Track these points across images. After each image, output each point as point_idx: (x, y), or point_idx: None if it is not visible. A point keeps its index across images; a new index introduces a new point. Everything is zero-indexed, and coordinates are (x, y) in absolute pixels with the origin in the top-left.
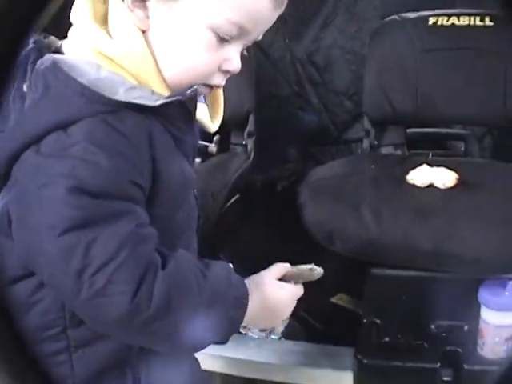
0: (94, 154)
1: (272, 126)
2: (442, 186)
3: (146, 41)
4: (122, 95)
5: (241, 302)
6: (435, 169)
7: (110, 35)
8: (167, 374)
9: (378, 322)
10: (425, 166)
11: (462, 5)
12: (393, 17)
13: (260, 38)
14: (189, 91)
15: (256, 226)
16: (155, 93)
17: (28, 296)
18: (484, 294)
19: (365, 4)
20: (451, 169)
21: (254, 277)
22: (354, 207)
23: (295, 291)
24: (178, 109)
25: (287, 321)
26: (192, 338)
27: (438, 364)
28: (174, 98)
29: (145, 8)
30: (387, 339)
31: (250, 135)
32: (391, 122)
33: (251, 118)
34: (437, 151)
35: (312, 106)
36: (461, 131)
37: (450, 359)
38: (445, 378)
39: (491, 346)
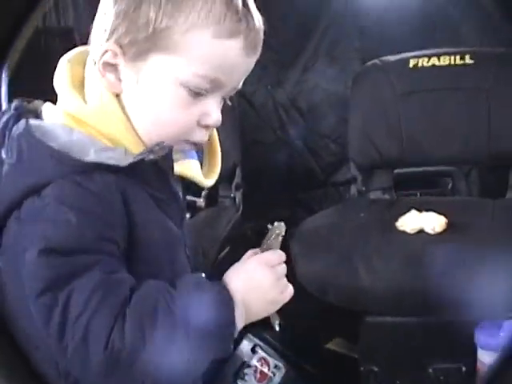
0: (64, 213)
1: (258, 173)
2: (431, 232)
3: (120, 103)
4: (92, 156)
5: (223, 302)
6: (424, 214)
7: (84, 99)
8: None
9: (376, 369)
10: (414, 212)
11: (442, 39)
12: (374, 61)
13: (240, 86)
14: (158, 148)
15: None
16: (128, 152)
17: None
18: (480, 336)
19: (345, 46)
20: (440, 213)
21: (227, 272)
22: (345, 258)
23: (273, 258)
24: (151, 168)
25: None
26: (184, 360)
27: None
28: (141, 157)
29: (116, 71)
30: None
31: (237, 187)
32: (378, 167)
33: (238, 171)
34: (425, 190)
35: (297, 150)
36: (447, 168)
37: None
38: None
39: None
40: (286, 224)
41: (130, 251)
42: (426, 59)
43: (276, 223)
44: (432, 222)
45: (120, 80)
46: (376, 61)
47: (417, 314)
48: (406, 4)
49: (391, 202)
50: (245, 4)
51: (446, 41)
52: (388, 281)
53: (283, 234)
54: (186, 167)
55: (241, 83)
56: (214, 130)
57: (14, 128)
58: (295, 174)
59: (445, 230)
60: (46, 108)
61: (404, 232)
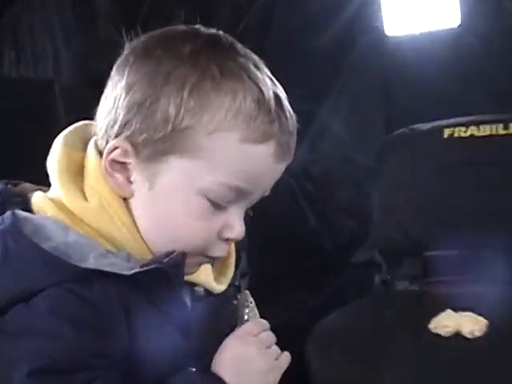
0: (58, 327)
1: (265, 254)
2: (469, 336)
3: (127, 206)
4: (91, 262)
5: None
6: (461, 314)
7: (83, 192)
8: None
9: None
10: (449, 312)
11: (479, 106)
12: (402, 130)
13: (267, 193)
14: (168, 259)
15: None
16: (132, 258)
17: None
18: None
19: (365, 108)
20: (479, 313)
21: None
22: (369, 365)
23: (252, 327)
24: (159, 277)
25: None
26: None
27: None
28: (151, 267)
29: (125, 171)
30: None
31: (242, 275)
32: (405, 252)
33: (243, 255)
34: (459, 278)
35: (310, 226)
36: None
37: None
38: None
39: None
40: (301, 319)
41: (131, 365)
42: (463, 129)
43: (239, 294)
44: (470, 325)
45: (130, 182)
46: (405, 130)
47: None
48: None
49: (421, 294)
50: (278, 102)
51: (484, 103)
52: None
53: (252, 301)
54: (198, 273)
55: (268, 191)
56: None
57: None
58: (308, 255)
59: (485, 335)
60: (37, 197)
61: (438, 335)
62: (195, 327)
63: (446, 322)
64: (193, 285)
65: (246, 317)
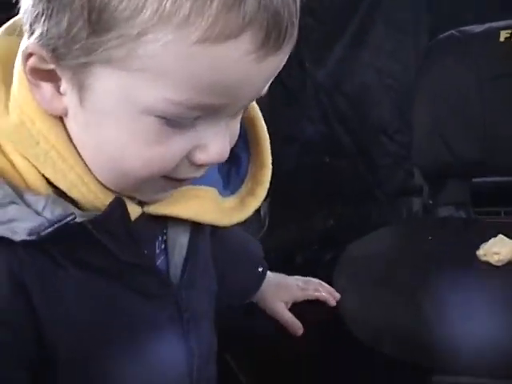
0: None
1: (291, 179)
2: None
3: (66, 132)
4: None
5: None
6: None
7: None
8: None
9: None
10: (502, 237)
11: None
12: (450, 32)
13: (265, 92)
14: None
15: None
16: (58, 206)
17: None
18: None
19: (407, 13)
20: None
21: None
22: (408, 298)
23: None
24: (80, 238)
25: None
26: None
27: None
28: (58, 225)
29: (53, 77)
30: None
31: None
32: (451, 175)
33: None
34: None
35: (342, 149)
36: None
37: None
38: None
39: None
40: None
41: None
42: None
43: None
44: None
45: (60, 93)
46: (453, 32)
47: (502, 376)
48: None
49: (469, 222)
50: None
51: None
52: (466, 330)
53: None
54: (184, 204)
55: (265, 90)
56: (260, 120)
57: None
58: (337, 181)
59: None
60: None
61: (488, 264)
62: (164, 283)
63: (498, 249)
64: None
65: None
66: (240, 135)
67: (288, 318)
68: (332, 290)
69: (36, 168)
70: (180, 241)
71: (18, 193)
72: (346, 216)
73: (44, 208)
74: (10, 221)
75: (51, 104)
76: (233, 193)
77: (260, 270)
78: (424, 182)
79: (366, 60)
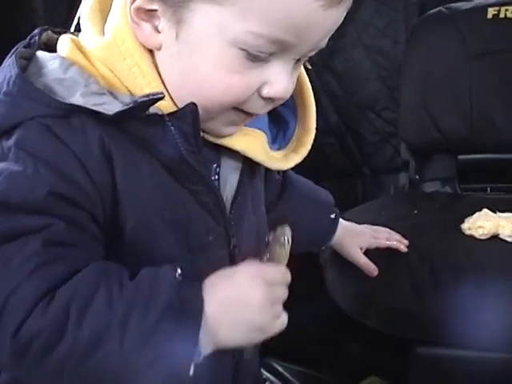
0: (21, 160)
1: None
2: (509, 239)
3: (154, 62)
4: (76, 99)
5: (185, 313)
6: (500, 215)
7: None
8: None
9: None
10: (486, 212)
11: None
12: (438, 9)
13: (323, 45)
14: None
15: None
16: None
17: None
18: None
19: None
20: None
21: (211, 276)
22: (393, 271)
23: (274, 275)
24: (157, 127)
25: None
26: (113, 369)
27: None
28: (139, 103)
29: (153, 18)
30: None
31: None
32: (438, 150)
33: None
34: (497, 185)
35: (330, 125)
36: None
37: None
38: None
39: None
40: None
41: (113, 223)
42: (510, 8)
43: (279, 228)
44: (510, 226)
45: (158, 31)
46: (442, 8)
47: (484, 348)
48: None
49: (454, 197)
50: None
51: None
52: (450, 301)
53: (290, 240)
54: (240, 139)
55: (324, 42)
56: (308, 89)
57: (8, 58)
58: (326, 156)
59: None
60: (62, 38)
61: (472, 237)
62: (218, 200)
63: (482, 223)
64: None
65: (275, 256)
66: (289, 104)
67: (364, 261)
68: (400, 237)
69: (120, 80)
70: (230, 179)
71: (110, 90)
72: (332, 191)
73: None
74: (104, 103)
75: (147, 40)
76: (279, 149)
77: (333, 216)
78: (410, 157)
79: (355, 37)
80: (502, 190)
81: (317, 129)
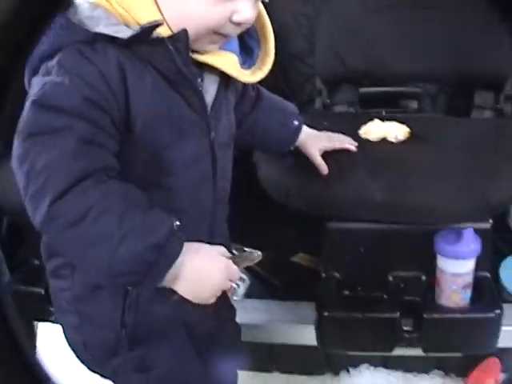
0: (61, 74)
1: None
2: (394, 140)
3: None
4: (100, 28)
5: (168, 248)
6: (387, 123)
7: None
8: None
9: (337, 275)
10: (377, 121)
11: None
12: None
13: None
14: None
15: None
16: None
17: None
18: (439, 243)
19: None
20: (403, 123)
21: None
22: (308, 163)
23: (231, 266)
24: (159, 47)
25: (248, 282)
26: (108, 260)
27: (398, 314)
28: (145, 29)
29: None
30: (347, 292)
31: None
32: (344, 81)
33: None
34: (390, 109)
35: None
36: (414, 89)
37: (409, 309)
38: (405, 328)
39: (448, 295)
40: None
41: (126, 126)
42: None
43: (257, 254)
44: (395, 131)
45: None
46: None
47: (378, 221)
48: None
49: (356, 114)
50: None
51: None
52: (349, 186)
53: (256, 260)
54: (218, 58)
55: None
56: (266, 19)
57: None
58: None
59: (407, 139)
60: None
61: (367, 140)
62: (202, 103)
63: (374, 129)
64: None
65: (240, 263)
66: (253, 35)
67: (320, 161)
68: (350, 140)
69: (132, 17)
70: (211, 89)
71: (125, 23)
72: None
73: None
74: (120, 31)
75: None
76: (248, 69)
77: (296, 123)
78: (323, 86)
79: (283, 4)
80: (394, 113)
81: None
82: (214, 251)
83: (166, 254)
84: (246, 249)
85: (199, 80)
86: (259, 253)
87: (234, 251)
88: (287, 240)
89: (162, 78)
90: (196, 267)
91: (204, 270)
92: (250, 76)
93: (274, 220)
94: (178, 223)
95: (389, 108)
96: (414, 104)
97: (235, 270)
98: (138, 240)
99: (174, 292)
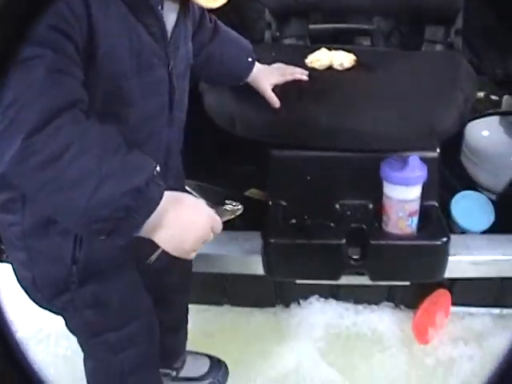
0: None
1: None
2: (339, 67)
3: None
4: None
5: (149, 196)
6: (333, 52)
7: None
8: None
9: (284, 203)
10: (323, 50)
11: None
12: None
13: None
14: None
15: None
16: None
17: None
18: (386, 170)
19: None
20: (349, 52)
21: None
22: (253, 90)
23: (215, 217)
24: None
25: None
26: (84, 204)
27: (344, 240)
28: None
29: None
30: (294, 221)
31: None
32: (293, 14)
33: None
34: (338, 45)
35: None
36: (366, 26)
37: (355, 236)
38: (351, 256)
39: (395, 221)
40: None
41: (89, 54)
42: None
43: (238, 207)
44: (341, 59)
45: None
46: None
47: (325, 148)
48: None
49: (304, 46)
50: None
51: None
52: (295, 112)
53: (237, 213)
54: None
55: None
56: None
57: None
58: None
59: (353, 67)
60: None
61: (313, 68)
62: (163, 31)
63: (320, 57)
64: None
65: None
66: None
67: (270, 94)
68: (302, 70)
69: None
70: (171, 17)
71: None
72: None
73: None
74: None
75: None
76: None
77: (250, 59)
78: (272, 19)
79: None
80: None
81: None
82: (197, 201)
83: (146, 199)
84: (227, 201)
85: (159, 8)
86: (240, 206)
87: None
88: (242, 176)
89: (125, 4)
90: (180, 216)
91: (188, 219)
92: (212, 2)
93: (229, 156)
94: (158, 169)
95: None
96: (367, 41)
97: (219, 222)
98: (117, 183)
99: (150, 251)
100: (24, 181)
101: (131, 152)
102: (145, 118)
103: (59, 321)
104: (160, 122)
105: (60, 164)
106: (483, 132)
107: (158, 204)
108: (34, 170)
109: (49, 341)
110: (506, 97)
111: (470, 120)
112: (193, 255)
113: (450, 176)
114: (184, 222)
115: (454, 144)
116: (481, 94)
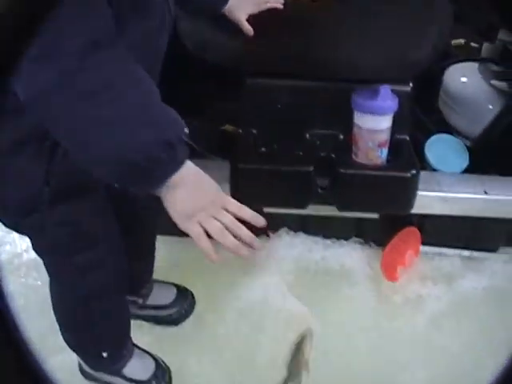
0: None
1: None
2: None
3: None
4: None
5: (178, 154)
6: None
7: None
8: None
9: (254, 131)
10: None
11: None
12: None
13: None
14: None
15: None
16: None
17: None
18: (356, 99)
19: None
20: None
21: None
22: (227, 18)
23: (225, 195)
24: None
25: None
26: (116, 145)
27: (312, 168)
28: None
29: None
30: (264, 149)
31: None
32: None
33: None
34: None
35: None
36: None
37: (324, 165)
38: (320, 184)
39: (365, 152)
40: None
41: None
42: None
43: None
44: None
45: None
46: None
47: (297, 77)
48: None
49: None
50: None
51: None
52: (268, 40)
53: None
54: None
55: None
56: None
57: None
58: None
59: None
60: None
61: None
62: None
63: None
64: None
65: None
66: None
67: (245, 24)
68: None
69: None
70: None
71: None
72: None
73: None
74: None
75: None
76: None
77: None
78: None
79: None
80: None
81: None
82: (211, 180)
83: (176, 155)
84: None
85: None
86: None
87: None
88: (218, 111)
89: None
90: (199, 176)
91: (207, 181)
92: None
93: (206, 92)
94: (187, 130)
95: None
96: None
97: (231, 202)
98: (153, 132)
99: None
100: (49, 113)
101: (166, 106)
102: (136, 40)
103: (30, 252)
104: (148, 47)
105: (98, 99)
106: (462, 78)
107: (184, 162)
108: (67, 101)
109: (19, 271)
110: (485, 44)
111: (448, 65)
112: (196, 230)
113: (426, 120)
114: (198, 187)
115: (431, 89)
116: (461, 41)
